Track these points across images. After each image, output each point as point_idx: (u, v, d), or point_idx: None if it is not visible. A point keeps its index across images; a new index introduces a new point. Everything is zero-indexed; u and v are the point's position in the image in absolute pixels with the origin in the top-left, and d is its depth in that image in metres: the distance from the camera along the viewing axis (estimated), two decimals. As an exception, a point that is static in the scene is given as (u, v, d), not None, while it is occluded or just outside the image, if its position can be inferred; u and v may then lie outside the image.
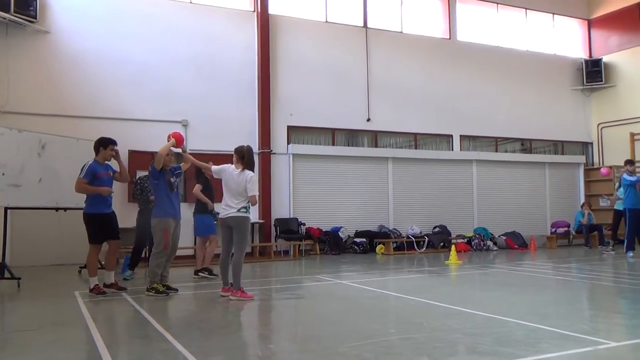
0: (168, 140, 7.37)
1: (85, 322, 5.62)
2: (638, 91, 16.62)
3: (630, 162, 12.22)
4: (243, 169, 6.95)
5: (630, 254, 11.56)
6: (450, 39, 16.19)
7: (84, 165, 7.47)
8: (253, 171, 7.03)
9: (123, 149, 11.58)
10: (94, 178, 7.41)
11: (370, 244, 13.78)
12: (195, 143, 12.76)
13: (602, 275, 9.45)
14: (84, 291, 7.69)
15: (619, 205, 12.63)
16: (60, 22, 12.14)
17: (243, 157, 7.03)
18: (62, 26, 12.14)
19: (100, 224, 7.46)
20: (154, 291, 7.26)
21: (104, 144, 7.65)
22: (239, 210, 6.90)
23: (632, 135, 16.61)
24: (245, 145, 7.22)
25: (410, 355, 4.16)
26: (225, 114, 13.23)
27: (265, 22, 13.71)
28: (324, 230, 13.66)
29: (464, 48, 16.30)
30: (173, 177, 7.60)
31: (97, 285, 7.42)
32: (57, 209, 9.47)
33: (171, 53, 12.93)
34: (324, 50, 14.51)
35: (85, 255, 7.61)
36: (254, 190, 6.91)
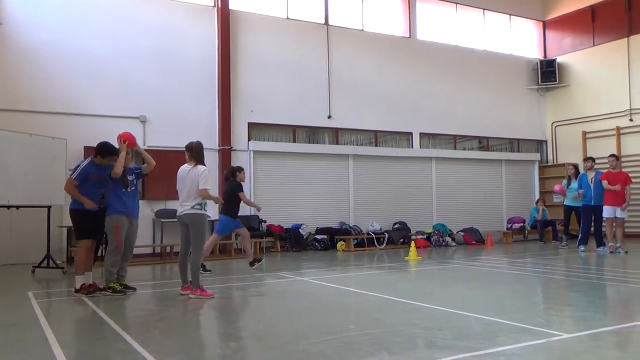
0: (119, 143, 7.19)
1: (39, 323, 5.45)
2: (590, 91, 17.17)
3: (589, 159, 12.60)
4: (195, 165, 6.88)
5: (582, 248, 11.94)
6: (410, 37, 16.37)
7: (79, 165, 7.21)
8: (204, 165, 6.94)
9: (78, 145, 11.38)
10: (85, 179, 7.17)
11: (331, 241, 13.84)
12: (154, 139, 12.55)
13: (556, 269, 9.74)
14: (37, 291, 7.47)
15: (569, 202, 13.08)
16: (12, 13, 11.73)
17: (192, 152, 6.96)
18: (14, 17, 11.75)
19: (87, 219, 7.23)
20: (110, 290, 7.11)
21: (103, 154, 7.26)
22: (192, 207, 6.84)
23: (585, 133, 17.15)
24: (195, 140, 7.15)
25: (370, 350, 4.19)
26: (185, 110, 13.05)
27: (225, 18, 13.57)
28: (284, 227, 13.63)
29: (424, 47, 16.51)
30: (132, 175, 7.46)
31: (84, 284, 7.16)
32: (8, 207, 9.16)
33: (128, 47, 12.66)
34: (285, 47, 14.47)
35: (38, 254, 7.40)
36: (204, 184, 6.78)
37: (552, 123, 18.25)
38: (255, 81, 13.97)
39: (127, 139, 7.21)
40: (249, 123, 13.87)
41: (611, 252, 11.46)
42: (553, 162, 17.97)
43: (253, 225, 13.21)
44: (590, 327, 4.98)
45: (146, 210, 10.20)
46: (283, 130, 14.50)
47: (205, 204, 6.93)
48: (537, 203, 16.23)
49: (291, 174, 14.10)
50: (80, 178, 7.12)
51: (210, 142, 12.99)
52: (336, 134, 15.11)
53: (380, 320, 5.35)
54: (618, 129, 16.26)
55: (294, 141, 14.52)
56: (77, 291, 7.11)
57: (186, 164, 7.05)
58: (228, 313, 6.41)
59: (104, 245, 9.12)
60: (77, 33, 12.21)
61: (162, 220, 12.13)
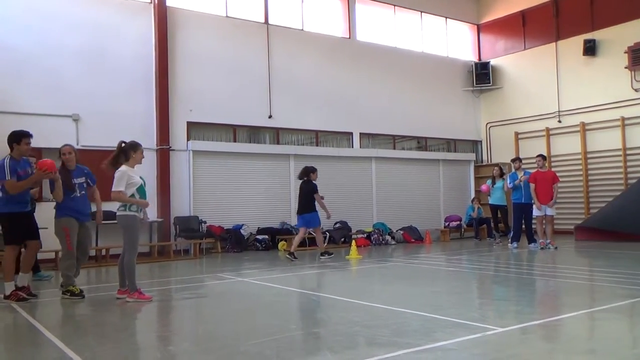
0: (39, 170, 6.81)
1: (-38, 333, 5.16)
2: (521, 93, 17.86)
3: (517, 159, 13.12)
4: (119, 166, 6.71)
5: (515, 245, 12.42)
6: (350, 38, 16.52)
7: (1, 166, 6.79)
8: (125, 166, 6.70)
9: (4, 144, 10.80)
10: (17, 177, 6.77)
11: (272, 241, 13.78)
12: (88, 139, 12.11)
13: (490, 265, 10.07)
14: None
15: (494, 200, 13.73)
16: None
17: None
18: None
19: (19, 223, 6.90)
20: (69, 294, 6.87)
21: (17, 139, 6.93)
22: (118, 209, 6.71)
23: (517, 134, 17.83)
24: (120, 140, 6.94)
25: (311, 350, 4.20)
26: (120, 109, 12.65)
27: (162, 15, 13.26)
28: (225, 228, 13.46)
29: (363, 48, 16.70)
30: (82, 177, 7.28)
31: (14, 291, 6.80)
32: None
33: (57, 42, 12.11)
34: (225, 46, 14.29)
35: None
36: (114, 186, 6.55)
37: (487, 124, 18.87)
38: (194, 80, 13.72)
39: (47, 167, 6.84)
40: (188, 122, 13.61)
41: (542, 248, 11.96)
42: (487, 161, 18.58)
43: (192, 226, 12.99)
44: (522, 320, 5.18)
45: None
46: (223, 129, 14.32)
47: (129, 205, 6.70)
48: (472, 201, 16.74)
49: (232, 174, 13.93)
50: (14, 174, 6.76)
51: (148, 141, 12.64)
52: (277, 134, 15.07)
53: (321, 320, 5.37)
54: (547, 130, 16.98)
55: (235, 141, 14.36)
56: (6, 297, 6.78)
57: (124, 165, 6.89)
58: (166, 316, 6.28)
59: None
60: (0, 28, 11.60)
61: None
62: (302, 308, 6.27)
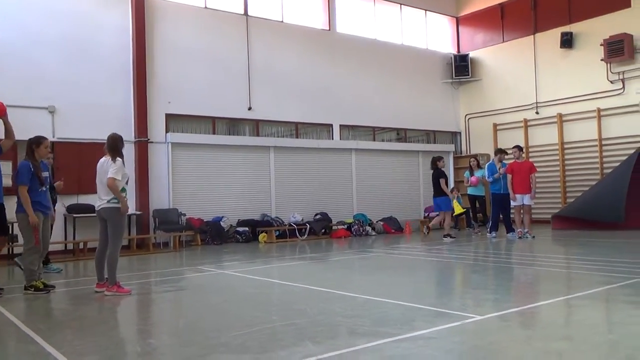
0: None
1: (-64, 329, 5.06)
2: (500, 85, 18.00)
3: (500, 151, 13.26)
4: (112, 158, 6.65)
5: (493, 234, 12.56)
6: (330, 30, 16.47)
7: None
8: (120, 157, 6.69)
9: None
10: None
11: (252, 233, 13.75)
12: (64, 131, 11.91)
13: (469, 255, 10.18)
14: None
15: (472, 190, 13.92)
16: None
17: (107, 144, 6.78)
18: None
19: None
20: (33, 289, 6.78)
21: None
22: (109, 201, 6.62)
23: (495, 125, 17.99)
24: (113, 133, 6.93)
25: (293, 341, 4.21)
26: (98, 101, 12.46)
27: (140, 5, 13.06)
28: (205, 220, 13.39)
29: (343, 40, 16.67)
30: (46, 172, 7.21)
31: None
32: None
33: (34, 33, 11.87)
34: (204, 37, 14.15)
35: None
36: (114, 174, 6.51)
37: (466, 115, 19.00)
38: (173, 71, 13.57)
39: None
40: (166, 114, 13.47)
41: (519, 237, 12.12)
42: (466, 152, 18.72)
43: (172, 218, 12.89)
44: (500, 308, 5.25)
45: (57, 205, 9.69)
46: (202, 121, 14.20)
47: (125, 197, 6.69)
48: (451, 192, 16.84)
49: (211, 166, 13.84)
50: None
51: (126, 133, 12.40)
52: (257, 126, 14.99)
53: (302, 311, 5.38)
54: (525, 121, 17.16)
55: (214, 133, 14.26)
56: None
57: (104, 157, 6.84)
58: (146, 309, 6.23)
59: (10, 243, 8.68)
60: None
61: (75, 215, 11.56)
62: (283, 299, 6.27)
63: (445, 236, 12.54)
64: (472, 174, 14.00)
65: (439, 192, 12.70)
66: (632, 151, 13.85)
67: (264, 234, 13.66)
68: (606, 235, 12.02)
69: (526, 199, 12.18)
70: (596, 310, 5.30)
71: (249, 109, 14.65)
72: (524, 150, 14.79)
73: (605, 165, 15.15)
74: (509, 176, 12.21)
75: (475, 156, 14.70)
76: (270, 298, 6.45)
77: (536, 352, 3.83)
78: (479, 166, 14.06)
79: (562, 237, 12.63)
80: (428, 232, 13.13)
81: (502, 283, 7.16)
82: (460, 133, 19.21)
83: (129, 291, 6.62)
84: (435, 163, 12.87)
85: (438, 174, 12.72)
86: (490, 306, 5.43)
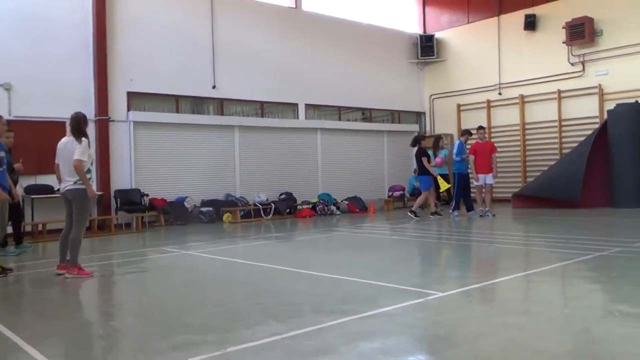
0: None
1: None
2: (464, 66, 18.16)
3: (467, 132, 13.42)
4: (77, 138, 6.47)
5: (456, 213, 12.78)
6: (296, 8, 16.28)
7: None
8: (85, 138, 6.52)
9: None
10: None
11: (217, 213, 13.65)
12: (21, 109, 11.52)
13: (432, 233, 10.34)
14: None
15: (436, 171, 14.02)
16: None
17: (70, 124, 6.60)
18: None
19: None
20: None
21: None
22: (75, 183, 6.46)
23: (459, 106, 18.19)
24: (77, 111, 6.75)
25: (257, 320, 4.22)
26: (56, 78, 12.06)
27: (99, -21, 12.65)
28: (168, 200, 13.22)
29: (309, 18, 16.51)
30: (2, 151, 6.98)
31: None
32: None
33: (-13, 6, 11.42)
34: (167, 13, 13.80)
35: None
36: (80, 155, 6.34)
37: (430, 96, 19.14)
38: (135, 48, 13.23)
39: None
40: (128, 92, 13.16)
41: (480, 216, 12.38)
42: (431, 132, 18.90)
43: (134, 199, 12.68)
44: (461, 285, 5.36)
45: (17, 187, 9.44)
46: (165, 100, 13.93)
47: (90, 178, 6.55)
48: (415, 172, 17.05)
49: (174, 146, 13.62)
50: None
51: (86, 112, 11.88)
52: (221, 105, 14.80)
53: (267, 290, 5.39)
54: (489, 102, 17.40)
55: (177, 111, 14.02)
56: None
57: (66, 137, 6.66)
58: (108, 291, 6.15)
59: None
60: None
61: (33, 196, 11.25)
62: (248, 279, 6.27)
63: (432, 214, 12.62)
64: (435, 155, 14.12)
65: (422, 170, 12.68)
66: (589, 132, 14.23)
67: (228, 214, 13.58)
68: (563, 214, 12.36)
69: (488, 179, 12.44)
70: (553, 286, 5.47)
71: (214, 87, 14.43)
72: (486, 130, 15.01)
73: (564, 145, 15.52)
74: (472, 157, 12.45)
75: (438, 136, 14.79)
76: (234, 278, 6.43)
77: (495, 327, 3.94)
78: (440, 148, 14.17)
79: (522, 215, 12.93)
80: (415, 215, 12.48)
81: (464, 260, 7.31)
82: (424, 113, 19.36)
83: (90, 273, 6.52)
84: (420, 141, 12.86)
85: (421, 153, 12.69)
86: (452, 283, 5.54)
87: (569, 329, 3.88)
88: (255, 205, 14.16)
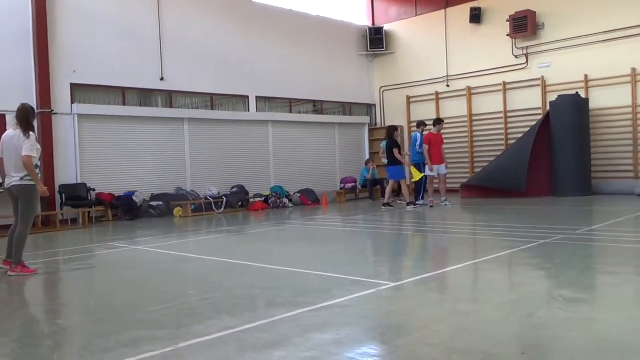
0: None
1: None
2: (413, 58, 18.41)
3: (423, 123, 13.69)
4: (24, 132, 6.21)
5: (420, 202, 13.02)
6: (245, -2, 16.12)
7: None
8: (32, 132, 6.29)
9: None
10: None
11: (167, 207, 13.40)
12: (-44, 101, 10.99)
13: (385, 224, 10.47)
14: None
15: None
16: None
17: (16, 116, 6.33)
18: None
19: None
20: None
21: None
22: (22, 179, 6.21)
23: (409, 98, 18.45)
24: (23, 103, 6.49)
25: (209, 315, 4.17)
26: (-6, 68, 11.56)
27: (39, -35, 12.15)
28: (116, 195, 12.90)
29: (259, 9, 16.35)
30: None
31: None
32: None
33: None
34: (113, 2, 13.39)
35: None
36: (27, 150, 6.11)
37: (380, 88, 19.32)
38: (79, 38, 12.78)
39: None
40: (71, 84, 12.72)
41: (431, 206, 12.63)
42: (381, 124, 19.10)
43: (80, 194, 12.31)
44: (413, 275, 5.46)
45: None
46: (111, 92, 13.53)
47: (38, 173, 6.29)
48: (367, 163, 17.23)
49: (122, 139, 13.27)
50: None
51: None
52: (170, 97, 14.50)
53: (219, 284, 5.33)
54: (437, 93, 17.72)
55: (124, 104, 13.66)
56: None
57: (11, 129, 6.39)
58: (54, 289, 5.95)
59: None
60: None
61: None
62: (199, 274, 6.18)
63: (408, 204, 12.64)
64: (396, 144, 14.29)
65: (392, 161, 12.73)
66: (533, 123, 14.70)
67: (179, 208, 13.36)
68: (509, 203, 12.75)
69: (442, 169, 12.81)
70: (500, 273, 5.63)
71: (161, 79, 14.12)
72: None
73: (509, 136, 15.97)
74: (426, 147, 12.72)
75: (396, 128, 14.93)
76: (186, 273, 6.34)
77: (446, 314, 4.02)
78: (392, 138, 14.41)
79: (470, 205, 13.26)
80: (387, 205, 12.68)
81: (415, 251, 7.44)
82: (375, 105, 19.54)
83: (34, 271, 6.29)
84: (393, 133, 12.94)
85: (392, 144, 12.74)
86: (404, 273, 5.63)
87: (514, 314, 4.00)
88: (206, 198, 13.99)
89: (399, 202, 14.11)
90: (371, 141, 18.63)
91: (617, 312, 3.90)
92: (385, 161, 14.42)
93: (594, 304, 4.33)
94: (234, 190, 14.73)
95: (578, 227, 8.25)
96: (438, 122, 13.36)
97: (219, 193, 14.31)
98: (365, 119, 18.79)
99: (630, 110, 13.91)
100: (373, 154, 18.27)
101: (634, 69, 13.74)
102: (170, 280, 5.76)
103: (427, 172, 12.80)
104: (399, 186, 14.09)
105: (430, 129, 13.26)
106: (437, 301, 4.53)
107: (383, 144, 14.62)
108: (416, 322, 3.93)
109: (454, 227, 9.54)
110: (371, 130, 18.84)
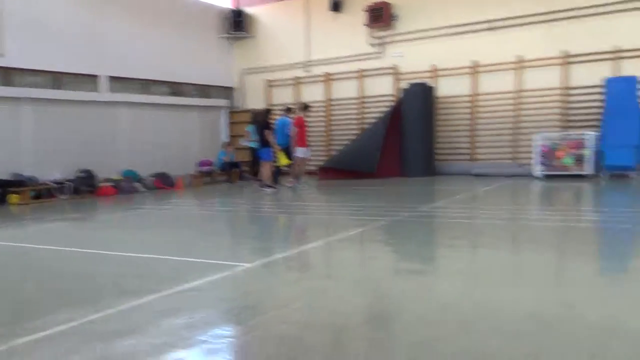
0: None
1: None
2: (274, 43, 18.43)
3: (289, 109, 13.84)
4: None
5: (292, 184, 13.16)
6: (93, -30, 14.98)
7: None
8: None
9: None
10: None
11: (2, 194, 12.14)
12: None
13: (241, 207, 10.45)
14: None
15: (254, 144, 14.33)
16: None
17: None
18: None
19: None
20: None
21: None
22: None
23: (268, 82, 18.48)
24: None
25: (52, 307, 3.88)
26: None
27: None
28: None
29: (109, -18, 15.32)
30: None
31: None
32: None
33: None
34: None
35: None
36: None
37: (241, 71, 19.13)
38: None
39: None
40: None
41: (290, 187, 12.86)
42: (242, 108, 18.96)
43: None
44: (270, 255, 5.51)
45: None
46: None
47: None
48: (225, 146, 17.03)
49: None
50: None
51: None
52: (9, 74, 13.09)
53: (63, 275, 4.98)
54: (297, 78, 17.96)
55: (-49, 79, 12.13)
56: None
57: None
58: None
59: None
60: None
61: None
62: (40, 265, 5.71)
63: (263, 186, 12.53)
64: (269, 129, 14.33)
65: (265, 143, 12.69)
66: (386, 109, 15.49)
67: (15, 195, 12.18)
68: (362, 184, 13.34)
69: (307, 152, 13.37)
70: (352, 250, 5.88)
71: (1, 55, 12.72)
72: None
73: (364, 121, 16.68)
74: (295, 129, 12.94)
75: (269, 111, 14.84)
76: (24, 264, 5.81)
77: (301, 292, 4.11)
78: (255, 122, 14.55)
79: (327, 187, 13.68)
80: (268, 187, 12.43)
81: (271, 232, 7.52)
82: (235, 88, 19.32)
83: None
84: (266, 115, 12.94)
85: (265, 126, 12.73)
86: (261, 254, 5.66)
87: (363, 288, 4.20)
88: (49, 184, 12.92)
89: (287, 185, 14.08)
90: (231, 124, 18.43)
91: (452, 281, 4.25)
92: (249, 144, 14.46)
93: (434, 274, 4.69)
94: (81, 174, 13.73)
95: (422, 205, 8.88)
96: (305, 107, 13.68)
97: (63, 178, 13.26)
98: (225, 102, 18.52)
99: (470, 99, 15.17)
100: (233, 137, 18.11)
101: (474, 61, 14.96)
102: (6, 273, 5.26)
103: (300, 154, 13.06)
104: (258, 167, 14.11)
105: (296, 115, 13.51)
106: (293, 280, 4.62)
107: (249, 127, 14.56)
108: (272, 301, 3.98)
109: (311, 208, 9.78)
110: (231, 113, 18.64)
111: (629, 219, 7.19)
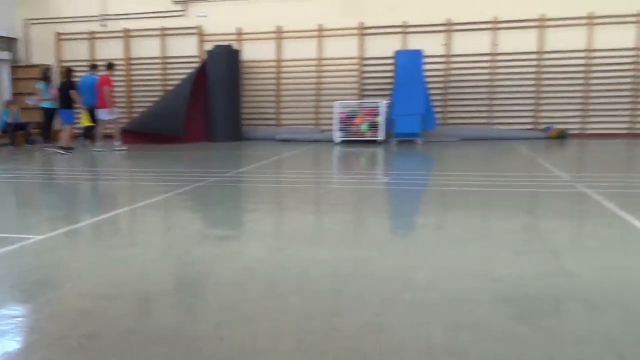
0: None
1: None
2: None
3: (94, 66, 13.17)
4: None
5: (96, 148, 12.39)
6: None
7: None
8: None
9: None
10: None
11: None
12: None
13: (31, 174, 9.46)
14: None
15: (49, 104, 13.19)
16: None
17: None
18: None
19: None
20: None
21: None
22: None
23: (59, 35, 16.74)
24: None
25: None
26: None
27: None
28: None
29: None
30: None
31: None
32: None
33: None
34: None
35: None
36: None
37: (25, 20, 17.00)
38: None
39: None
40: None
41: (99, 151, 12.18)
42: (28, 62, 16.94)
43: None
44: (65, 225, 5.08)
45: None
46: None
47: None
48: (8, 106, 15.12)
49: None
50: None
51: None
52: None
53: None
54: (92, 33, 16.52)
55: None
56: None
57: None
58: None
59: None
60: None
61: None
62: None
63: (59, 148, 11.75)
64: (49, 86, 13.17)
65: (68, 104, 11.96)
66: (191, 71, 15.06)
67: None
68: (167, 149, 12.93)
69: (110, 114, 12.56)
70: (157, 218, 5.69)
71: None
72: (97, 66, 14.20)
73: (168, 83, 16.05)
74: (108, 89, 12.30)
75: (47, 67, 13.66)
76: None
77: (101, 262, 3.88)
78: (47, 78, 13.53)
79: (130, 151, 12.97)
80: (65, 150, 11.62)
81: (68, 200, 6.95)
82: (18, 40, 17.15)
83: None
84: (70, 75, 12.17)
85: (69, 86, 11.98)
86: (55, 224, 5.20)
87: (170, 255, 4.11)
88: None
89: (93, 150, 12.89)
90: (15, 80, 16.41)
91: (259, 245, 4.37)
92: (40, 104, 13.39)
93: (241, 239, 4.76)
94: None
95: (229, 170, 8.91)
96: (111, 66, 12.91)
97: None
98: (6, 55, 16.38)
99: (275, 64, 15.45)
100: (18, 95, 16.17)
101: (279, 27, 15.21)
102: None
103: (106, 116, 12.37)
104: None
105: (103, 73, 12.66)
106: (92, 250, 4.33)
107: (40, 84, 13.40)
108: (67, 274, 3.69)
109: (111, 174, 9.22)
110: (15, 69, 16.57)
111: (415, 182, 8.04)
